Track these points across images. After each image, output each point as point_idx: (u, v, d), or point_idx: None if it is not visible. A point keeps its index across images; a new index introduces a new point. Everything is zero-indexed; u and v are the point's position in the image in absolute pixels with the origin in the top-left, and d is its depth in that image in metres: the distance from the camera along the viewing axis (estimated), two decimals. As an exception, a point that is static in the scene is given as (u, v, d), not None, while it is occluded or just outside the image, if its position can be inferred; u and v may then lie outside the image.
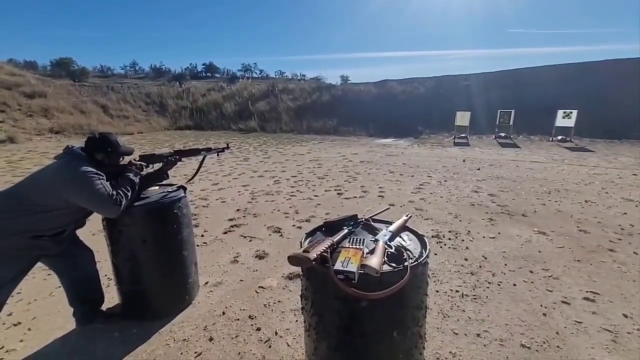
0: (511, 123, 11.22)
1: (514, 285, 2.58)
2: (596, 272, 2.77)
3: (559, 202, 4.63)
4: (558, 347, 1.93)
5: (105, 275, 2.50)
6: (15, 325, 2.18)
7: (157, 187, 2.37)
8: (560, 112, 10.64)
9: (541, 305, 2.32)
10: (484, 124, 11.95)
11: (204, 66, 42.47)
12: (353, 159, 8.36)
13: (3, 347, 1.97)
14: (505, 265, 2.89)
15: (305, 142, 12.02)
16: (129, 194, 1.89)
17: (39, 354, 1.93)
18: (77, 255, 2.00)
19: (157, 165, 2.23)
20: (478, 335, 2.04)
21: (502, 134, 11.37)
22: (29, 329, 2.14)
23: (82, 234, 2.07)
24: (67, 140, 12.08)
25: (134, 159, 2.13)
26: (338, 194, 5.26)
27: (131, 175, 1.96)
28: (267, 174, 6.74)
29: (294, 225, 3.90)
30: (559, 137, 10.54)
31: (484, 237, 3.49)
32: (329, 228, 1.53)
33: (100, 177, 1.76)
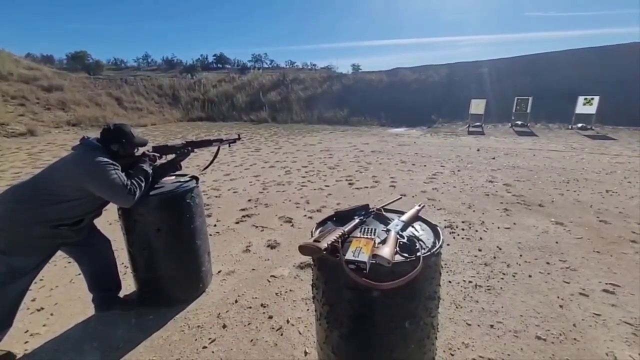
0: (528, 111, 10.87)
1: (530, 276, 2.53)
2: (617, 263, 2.68)
3: (578, 192, 4.48)
4: (575, 339, 1.89)
5: (122, 263, 2.57)
6: (38, 310, 2.27)
7: (172, 177, 2.40)
8: (580, 99, 10.23)
9: (558, 297, 2.27)
10: (500, 112, 11.62)
11: (214, 57, 42.32)
12: (364, 149, 8.28)
13: (27, 331, 2.06)
14: (521, 256, 2.83)
15: (316, 132, 11.97)
16: (143, 184, 1.92)
17: (62, 338, 2.01)
18: (95, 243, 2.06)
19: (171, 156, 2.25)
20: (492, 326, 2.01)
21: (519, 122, 11.02)
22: (51, 314, 2.23)
23: (98, 223, 2.12)
24: (84, 132, 12.37)
25: (148, 150, 2.15)
26: (349, 184, 5.23)
27: (145, 166, 1.99)
28: (278, 165, 6.75)
29: (305, 216, 3.90)
30: (579, 125, 10.15)
31: (498, 227, 3.42)
32: (340, 218, 1.51)
33: (115, 167, 1.79)
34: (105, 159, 1.77)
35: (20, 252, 1.69)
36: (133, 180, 1.85)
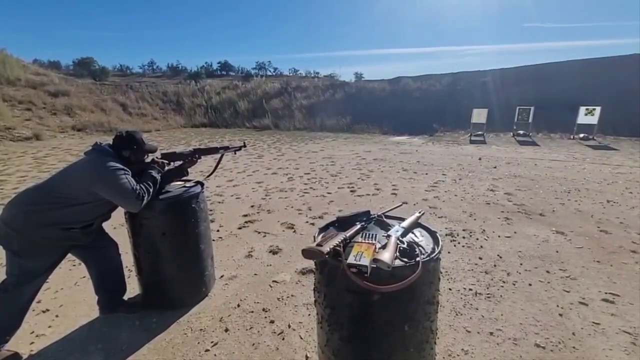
0: (530, 120, 10.94)
1: (530, 284, 2.55)
2: (617, 273, 2.69)
3: (579, 202, 4.50)
4: (574, 347, 1.91)
5: (127, 266, 2.59)
6: (44, 312, 2.30)
7: (179, 182, 2.44)
8: (582, 109, 10.30)
9: (557, 306, 2.29)
10: (502, 121, 11.68)
11: (219, 64, 42.81)
12: (366, 157, 8.34)
13: (33, 332, 2.09)
14: (521, 264, 2.85)
15: (318, 139, 12.05)
16: (151, 189, 1.96)
17: (67, 340, 2.04)
18: (103, 246, 2.11)
19: (178, 163, 2.31)
20: (491, 333, 2.03)
21: (521, 132, 11.09)
22: (57, 316, 2.26)
23: (104, 227, 2.16)
24: (89, 137, 12.52)
25: (157, 157, 2.21)
26: (351, 191, 5.27)
27: (154, 173, 2.04)
28: (281, 171, 6.81)
29: (307, 222, 3.94)
30: (581, 135, 10.20)
31: (499, 236, 3.44)
32: (342, 223, 1.55)
33: (126, 172, 1.85)
34: (117, 165, 1.82)
35: (33, 253, 1.74)
36: (142, 186, 1.90)
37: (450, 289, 2.49)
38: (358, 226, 1.45)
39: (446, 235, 3.46)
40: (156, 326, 2.13)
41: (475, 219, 3.93)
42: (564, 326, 2.08)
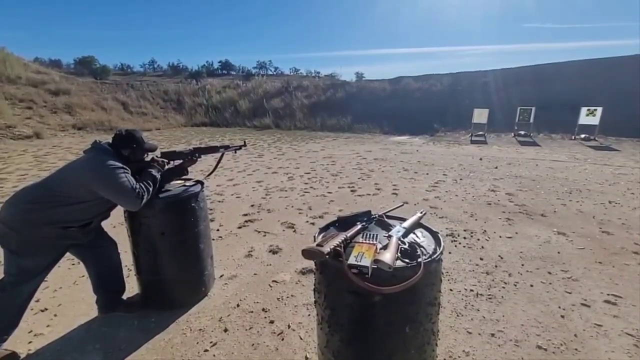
0: (531, 121, 10.91)
1: (531, 285, 2.53)
2: (619, 274, 2.68)
3: (581, 203, 4.48)
4: (576, 349, 1.89)
5: (126, 265, 2.58)
6: (42, 311, 2.29)
7: (179, 181, 2.43)
8: (583, 110, 10.27)
9: (559, 307, 2.27)
10: (503, 121, 11.65)
11: (220, 64, 43.00)
12: (367, 157, 8.32)
13: (31, 331, 2.08)
14: (522, 265, 2.83)
15: (319, 139, 12.03)
16: (151, 188, 1.95)
17: (65, 339, 2.03)
18: (102, 245, 2.10)
19: (178, 161, 2.29)
20: (492, 335, 2.01)
21: (522, 132, 11.06)
22: (55, 315, 2.25)
23: (103, 226, 2.15)
24: (90, 135, 12.51)
25: (156, 156, 2.19)
26: (351, 191, 5.26)
27: (153, 172, 2.02)
28: (281, 171, 6.79)
29: (307, 222, 3.92)
30: (582, 136, 10.17)
31: (500, 236, 3.42)
32: (343, 223, 1.54)
33: (126, 171, 1.83)
34: (116, 163, 1.81)
35: (31, 252, 1.73)
36: (141, 185, 1.89)
37: (451, 290, 2.47)
38: (359, 226, 1.43)
39: (447, 235, 3.45)
40: (155, 326, 2.11)
41: (476, 220, 3.91)
42: (566, 328, 2.07)
